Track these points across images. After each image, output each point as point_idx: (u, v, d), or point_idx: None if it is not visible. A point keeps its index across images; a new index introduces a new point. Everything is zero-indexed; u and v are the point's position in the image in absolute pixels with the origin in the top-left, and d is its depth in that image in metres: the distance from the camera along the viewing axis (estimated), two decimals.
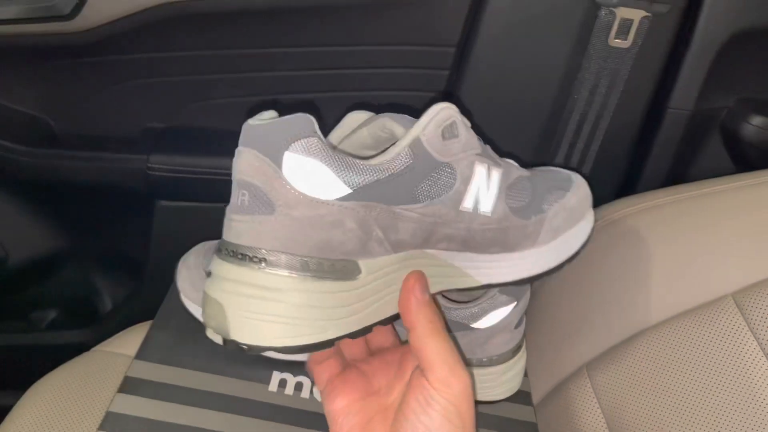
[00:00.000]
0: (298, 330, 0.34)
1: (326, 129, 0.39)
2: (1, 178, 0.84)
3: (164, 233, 0.83)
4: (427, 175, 0.36)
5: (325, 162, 0.33)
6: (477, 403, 0.57)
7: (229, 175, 0.34)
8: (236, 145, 0.37)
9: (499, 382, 0.56)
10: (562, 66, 0.69)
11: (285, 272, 0.33)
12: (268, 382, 0.54)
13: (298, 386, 0.54)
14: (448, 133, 0.37)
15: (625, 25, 0.65)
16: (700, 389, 0.48)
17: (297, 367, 0.55)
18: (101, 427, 0.48)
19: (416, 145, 0.36)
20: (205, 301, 0.35)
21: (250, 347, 0.33)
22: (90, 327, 0.93)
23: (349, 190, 0.34)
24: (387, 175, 0.35)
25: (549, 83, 0.70)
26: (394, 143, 0.37)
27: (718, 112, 0.77)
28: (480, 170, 0.39)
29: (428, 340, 0.36)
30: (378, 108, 0.42)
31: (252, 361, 0.55)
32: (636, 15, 0.65)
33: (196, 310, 0.55)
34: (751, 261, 0.50)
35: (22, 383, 0.60)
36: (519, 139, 0.75)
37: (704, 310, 0.50)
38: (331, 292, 0.35)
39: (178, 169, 0.77)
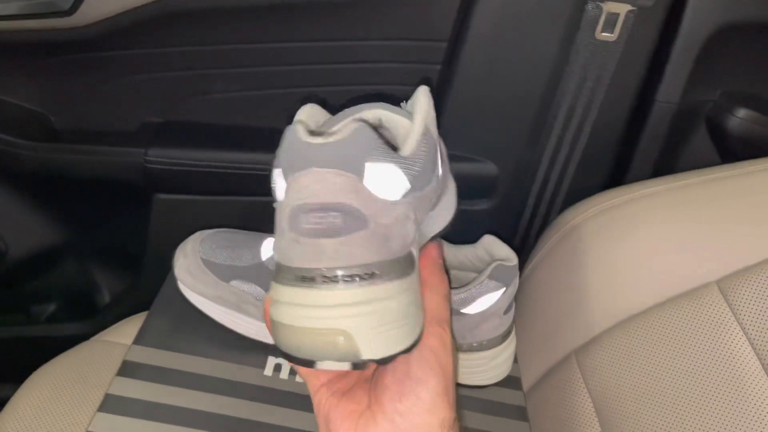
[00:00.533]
0: (410, 328, 0.35)
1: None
2: (2, 172, 0.85)
3: (162, 226, 0.83)
4: (434, 154, 0.37)
5: (395, 163, 0.34)
6: (468, 387, 0.59)
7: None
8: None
9: (488, 367, 0.57)
10: (550, 59, 0.70)
11: (389, 279, 0.33)
12: (263, 366, 0.55)
13: (293, 371, 0.55)
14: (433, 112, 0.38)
15: (612, 19, 0.66)
16: (685, 374, 0.48)
17: None
18: (101, 408, 0.49)
19: (426, 129, 0.36)
20: (316, 335, 0.32)
21: (383, 359, 0.33)
22: (89, 319, 0.93)
23: (409, 185, 0.34)
24: (422, 161, 0.35)
25: (538, 76, 0.71)
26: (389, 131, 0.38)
27: (703, 105, 0.78)
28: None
29: (433, 294, 0.39)
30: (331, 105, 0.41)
31: (248, 346, 0.56)
32: (622, 9, 0.65)
33: (193, 297, 0.56)
34: (735, 249, 0.50)
35: (23, 375, 0.61)
36: (509, 131, 0.76)
37: (689, 297, 0.51)
38: (414, 284, 0.36)
39: (176, 163, 0.77)
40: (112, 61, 0.77)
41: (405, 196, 0.34)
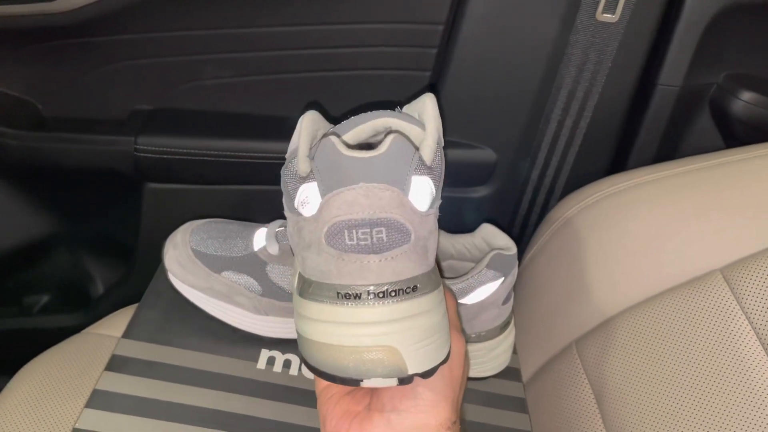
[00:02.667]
0: (446, 337, 0.35)
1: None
2: None
3: (154, 216, 0.82)
4: (443, 160, 0.37)
5: (431, 176, 0.34)
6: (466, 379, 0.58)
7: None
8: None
9: (488, 359, 0.56)
10: (549, 42, 0.68)
11: (428, 291, 0.34)
12: (256, 359, 0.54)
13: (287, 363, 0.54)
14: None
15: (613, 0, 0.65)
16: (688, 363, 0.48)
17: (285, 345, 0.55)
18: (88, 404, 0.48)
19: (439, 137, 0.36)
20: (363, 353, 0.32)
21: (426, 372, 0.33)
22: (82, 311, 0.93)
23: (435, 195, 0.35)
24: (439, 169, 0.35)
25: (537, 60, 0.70)
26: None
27: (707, 88, 0.76)
28: None
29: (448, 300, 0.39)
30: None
31: (240, 339, 0.55)
32: None
33: (184, 289, 0.55)
34: (739, 236, 0.50)
35: (15, 367, 0.60)
36: (507, 117, 0.75)
37: (693, 286, 0.50)
38: (443, 294, 0.36)
39: (166, 151, 0.76)
40: (99, 47, 0.75)
41: (432, 206, 0.34)
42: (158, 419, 0.48)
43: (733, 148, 0.58)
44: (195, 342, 0.54)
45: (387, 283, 0.32)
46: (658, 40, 0.70)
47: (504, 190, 0.81)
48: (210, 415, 0.49)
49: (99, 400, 0.48)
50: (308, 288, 0.34)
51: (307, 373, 0.54)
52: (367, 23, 0.73)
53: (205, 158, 0.76)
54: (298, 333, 0.35)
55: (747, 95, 0.73)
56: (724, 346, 0.46)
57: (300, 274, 0.35)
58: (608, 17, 0.66)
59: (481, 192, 0.81)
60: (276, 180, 0.37)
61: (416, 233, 0.33)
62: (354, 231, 0.32)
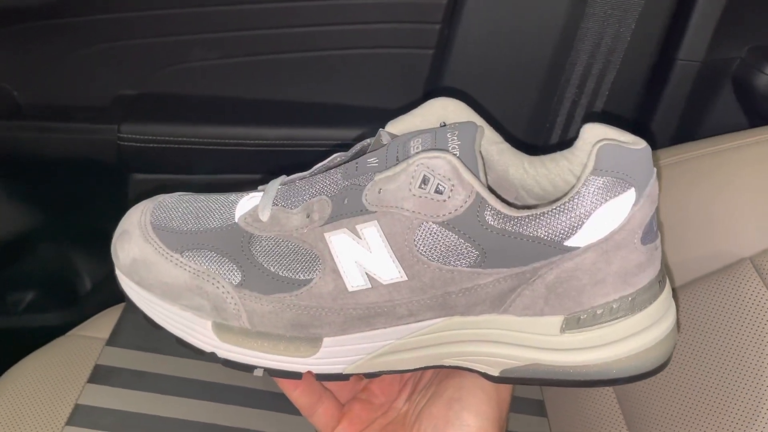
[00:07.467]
0: None
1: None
2: None
3: None
4: None
5: None
6: None
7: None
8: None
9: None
10: (563, 15, 0.66)
11: None
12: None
13: None
14: None
15: None
16: (717, 355, 0.46)
17: None
18: (69, 421, 0.46)
19: None
20: (675, 327, 0.34)
21: None
22: (70, 308, 0.91)
23: None
24: None
25: (550, 35, 0.68)
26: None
27: (729, 62, 0.75)
28: None
29: None
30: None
31: None
32: None
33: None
34: None
35: (2, 370, 0.58)
36: (517, 97, 0.73)
37: (721, 275, 0.48)
38: None
39: (152, 139, 0.74)
40: (78, 28, 0.73)
41: None
42: None
43: (759, 127, 0.56)
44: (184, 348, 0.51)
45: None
46: (678, 11, 0.68)
47: None
48: (203, 430, 0.47)
49: (80, 416, 0.46)
50: (615, 312, 0.31)
51: None
52: None
53: (194, 146, 0.75)
54: (593, 366, 0.33)
55: None
56: (755, 337, 0.44)
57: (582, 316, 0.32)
58: None
59: None
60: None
61: None
62: (655, 218, 0.32)
